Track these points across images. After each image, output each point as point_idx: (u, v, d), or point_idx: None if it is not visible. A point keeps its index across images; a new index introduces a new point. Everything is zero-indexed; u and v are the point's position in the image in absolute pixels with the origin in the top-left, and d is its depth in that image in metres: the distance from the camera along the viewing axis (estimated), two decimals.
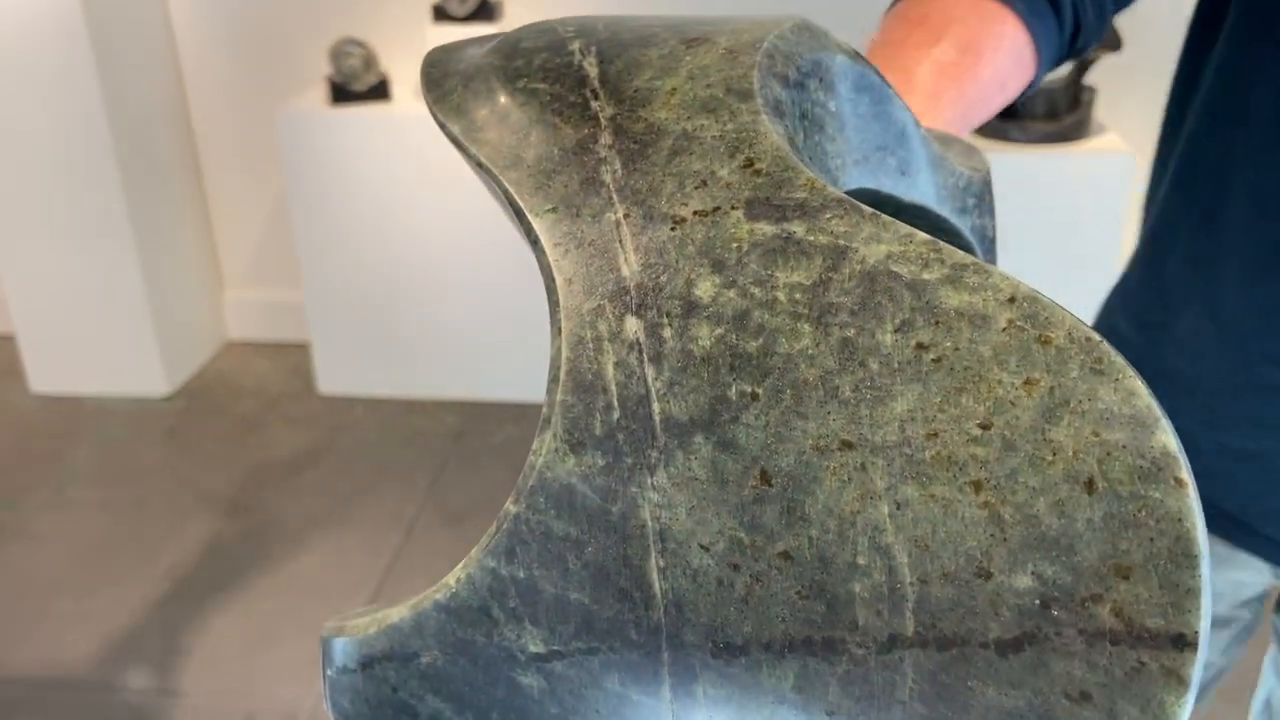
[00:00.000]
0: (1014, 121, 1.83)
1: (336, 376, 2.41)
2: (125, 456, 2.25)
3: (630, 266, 0.27)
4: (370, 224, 2.27)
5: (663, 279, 0.27)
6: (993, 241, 0.42)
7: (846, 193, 0.35)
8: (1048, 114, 1.83)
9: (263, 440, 2.28)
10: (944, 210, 0.39)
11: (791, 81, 0.32)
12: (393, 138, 2.20)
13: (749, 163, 0.28)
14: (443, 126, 0.34)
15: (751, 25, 0.33)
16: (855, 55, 0.35)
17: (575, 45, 0.34)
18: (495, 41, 0.36)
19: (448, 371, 2.37)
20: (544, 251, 0.29)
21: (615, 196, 0.29)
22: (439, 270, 2.29)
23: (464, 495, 2.08)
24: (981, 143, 1.86)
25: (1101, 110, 2.00)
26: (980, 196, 0.41)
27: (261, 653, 1.72)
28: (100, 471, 2.20)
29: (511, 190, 0.30)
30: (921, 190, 0.37)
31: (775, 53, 0.32)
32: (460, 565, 0.28)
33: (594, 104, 0.31)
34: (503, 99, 0.33)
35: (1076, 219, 1.88)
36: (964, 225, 0.40)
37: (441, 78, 0.36)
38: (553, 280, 0.28)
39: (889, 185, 0.36)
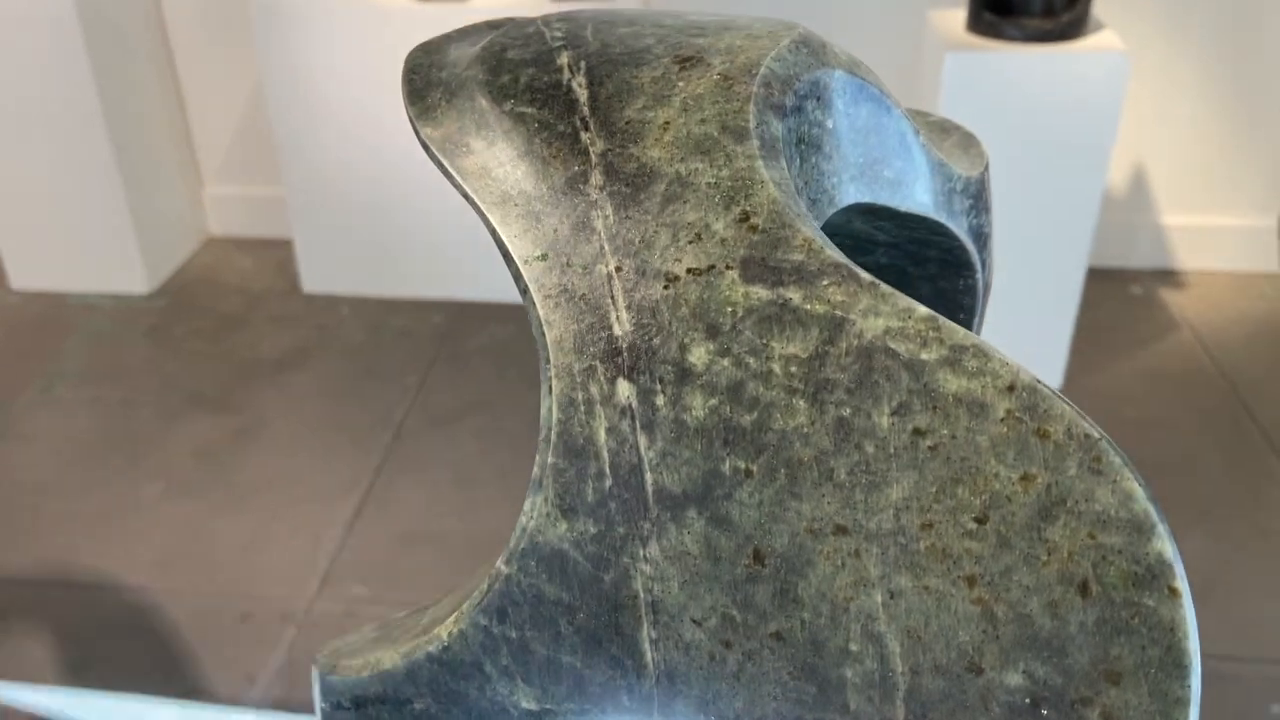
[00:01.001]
0: (1010, 19, 1.78)
1: (320, 275, 2.39)
2: (110, 355, 2.24)
3: (622, 325, 0.27)
4: (351, 117, 2.22)
5: (655, 342, 0.26)
6: (988, 238, 0.41)
7: (843, 209, 0.34)
8: (1045, 11, 1.78)
9: (248, 339, 2.28)
10: (940, 215, 0.38)
11: (789, 109, 0.31)
12: (373, 28, 2.13)
13: (745, 216, 0.27)
14: (426, 148, 0.32)
15: (747, 41, 0.32)
16: (853, 67, 0.34)
17: (564, 59, 0.32)
18: (480, 48, 0.34)
19: (433, 270, 2.35)
20: (534, 303, 0.28)
21: (607, 246, 0.28)
22: (424, 165, 2.24)
23: (452, 396, 2.09)
24: (977, 40, 1.81)
25: (1100, 6, 1.95)
26: (977, 196, 0.40)
27: (256, 553, 1.75)
28: (86, 370, 2.20)
29: (500, 231, 0.29)
30: (918, 198, 0.36)
31: (772, 79, 0.31)
32: (451, 619, 0.29)
33: (584, 135, 0.30)
34: (489, 122, 0.32)
35: (1070, 119, 1.85)
36: (961, 227, 0.39)
37: (424, 88, 0.34)
38: (543, 335, 0.28)
39: (885, 196, 0.35)
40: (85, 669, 1.56)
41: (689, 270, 0.27)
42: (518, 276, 0.29)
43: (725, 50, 0.32)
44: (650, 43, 0.33)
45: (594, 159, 0.29)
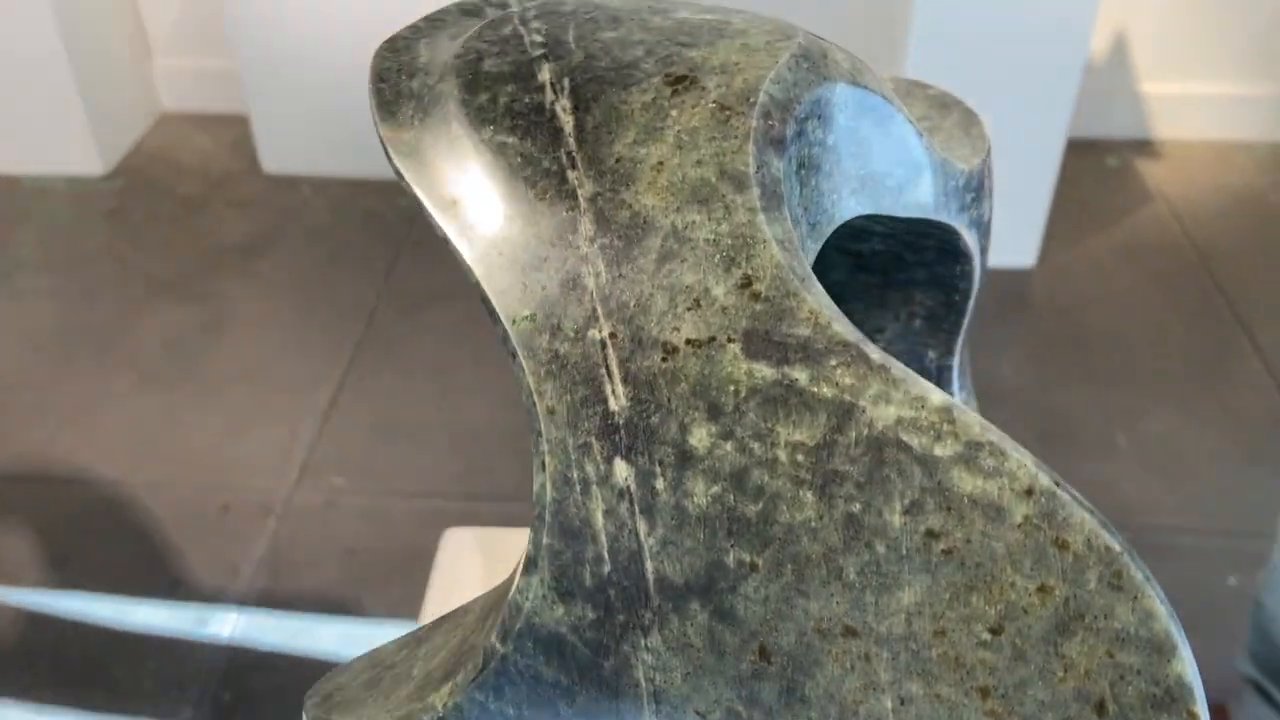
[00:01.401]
0: None
1: (280, 154, 2.32)
2: (69, 241, 2.19)
3: (619, 400, 0.25)
4: None
5: (654, 420, 0.25)
6: (989, 225, 0.40)
7: (843, 224, 0.33)
8: None
9: (209, 224, 2.22)
10: (942, 215, 0.36)
11: (789, 138, 0.29)
12: None
13: (746, 281, 0.25)
14: (400, 175, 0.30)
15: (743, 56, 0.30)
16: (855, 75, 0.31)
17: (545, 75, 0.30)
18: (454, 56, 0.32)
19: None
20: (523, 370, 0.26)
21: (599, 308, 0.26)
22: (388, 30, 2.16)
23: (423, 283, 2.06)
24: None
25: None
26: (980, 188, 0.38)
27: (231, 445, 1.75)
28: (46, 258, 2.15)
29: (485, 286, 0.27)
30: (920, 202, 0.35)
31: (771, 107, 0.28)
32: (446, 689, 0.28)
33: (571, 175, 0.28)
34: (468, 151, 0.29)
35: None
36: (962, 222, 0.37)
37: (394, 101, 0.32)
38: (533, 405, 0.26)
39: (887, 205, 0.34)
40: (66, 564, 1.57)
41: (688, 341, 0.25)
42: (505, 338, 0.27)
43: (720, 69, 0.29)
44: (639, 54, 0.30)
45: (583, 204, 0.27)
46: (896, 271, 0.42)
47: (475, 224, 0.28)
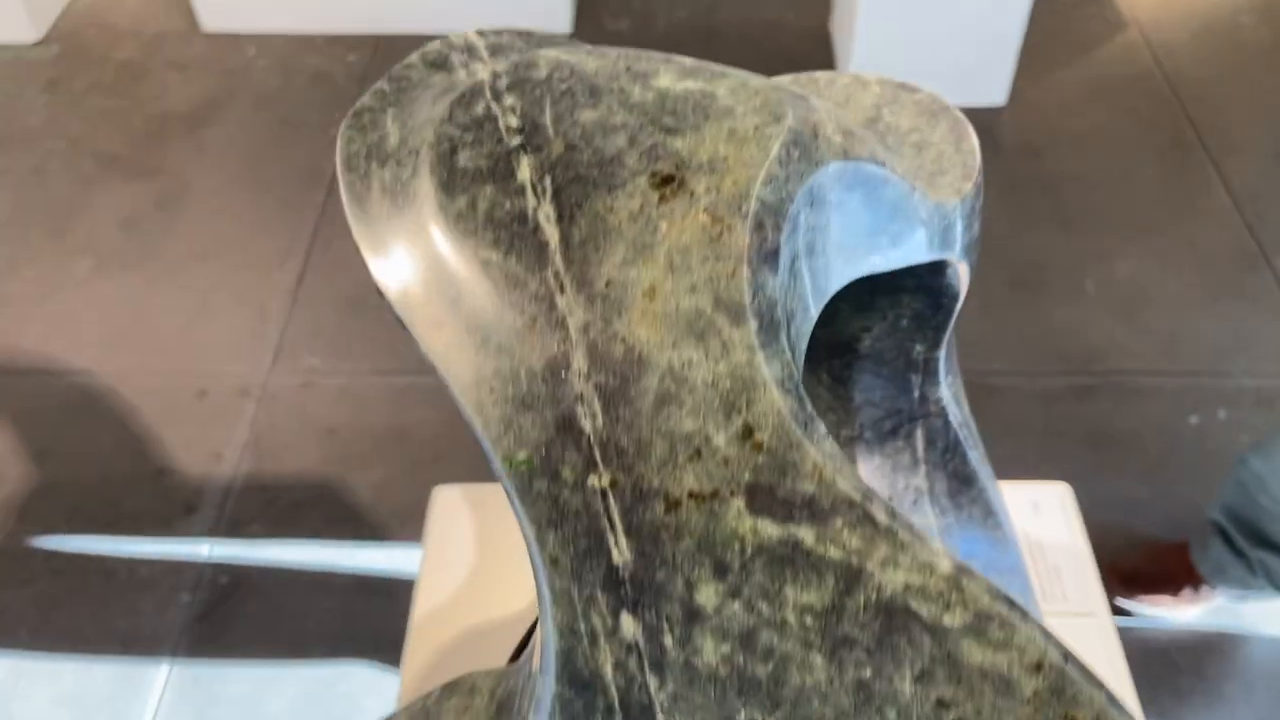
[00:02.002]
0: None
1: (219, 10, 2.20)
2: (11, 117, 2.10)
3: (622, 553, 0.25)
4: None
5: (660, 576, 0.25)
6: (978, 239, 0.39)
7: (835, 294, 0.32)
8: None
9: (152, 91, 2.13)
10: (936, 254, 0.35)
11: (783, 241, 0.27)
12: None
13: (748, 431, 0.25)
14: (377, 284, 0.29)
15: (732, 149, 0.28)
16: (847, 147, 0.30)
17: (525, 173, 0.28)
18: (425, 143, 0.30)
19: (345, 1, 2.18)
20: (523, 516, 0.26)
21: (598, 454, 0.25)
22: None
23: None
24: None
25: None
26: (970, 214, 0.37)
27: (201, 327, 1.73)
28: None
29: (476, 424, 0.27)
30: (913, 251, 0.34)
31: (764, 215, 0.27)
32: None
33: (560, 300, 0.27)
34: (450, 265, 0.28)
35: None
36: (955, 253, 0.36)
37: (365, 193, 0.30)
38: (537, 553, 0.26)
39: (879, 260, 0.33)
40: (48, 456, 1.58)
41: (690, 494, 0.25)
42: (502, 477, 0.27)
43: (709, 166, 0.28)
44: (621, 145, 0.28)
45: (574, 335, 0.26)
46: (885, 279, 0.41)
47: (463, 352, 0.27)
